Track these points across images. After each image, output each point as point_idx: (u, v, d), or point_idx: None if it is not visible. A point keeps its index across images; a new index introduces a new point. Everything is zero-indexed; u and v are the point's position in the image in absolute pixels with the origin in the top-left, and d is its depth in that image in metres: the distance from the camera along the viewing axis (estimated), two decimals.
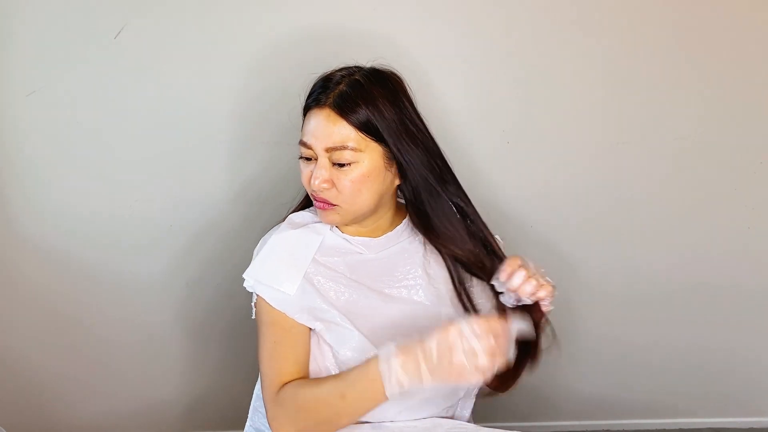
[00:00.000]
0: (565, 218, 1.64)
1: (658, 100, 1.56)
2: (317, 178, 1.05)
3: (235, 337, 1.68)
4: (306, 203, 1.20)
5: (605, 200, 1.63)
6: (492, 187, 1.60)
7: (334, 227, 1.14)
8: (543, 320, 1.05)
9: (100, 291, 1.61)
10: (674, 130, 1.59)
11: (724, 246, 1.69)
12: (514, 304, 1.02)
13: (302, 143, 1.07)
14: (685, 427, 1.88)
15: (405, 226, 1.17)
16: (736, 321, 1.76)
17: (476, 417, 1.20)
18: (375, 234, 1.15)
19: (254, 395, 1.26)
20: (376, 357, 0.96)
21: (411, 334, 1.01)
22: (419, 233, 1.15)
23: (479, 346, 0.90)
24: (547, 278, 1.02)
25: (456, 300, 1.13)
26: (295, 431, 1.02)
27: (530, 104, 1.55)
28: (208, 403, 1.74)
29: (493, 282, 1.02)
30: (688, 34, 1.53)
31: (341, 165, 1.05)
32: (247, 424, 1.26)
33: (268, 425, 1.18)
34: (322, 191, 1.07)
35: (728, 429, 1.87)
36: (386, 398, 0.94)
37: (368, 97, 1.05)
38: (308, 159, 1.08)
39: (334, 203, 1.07)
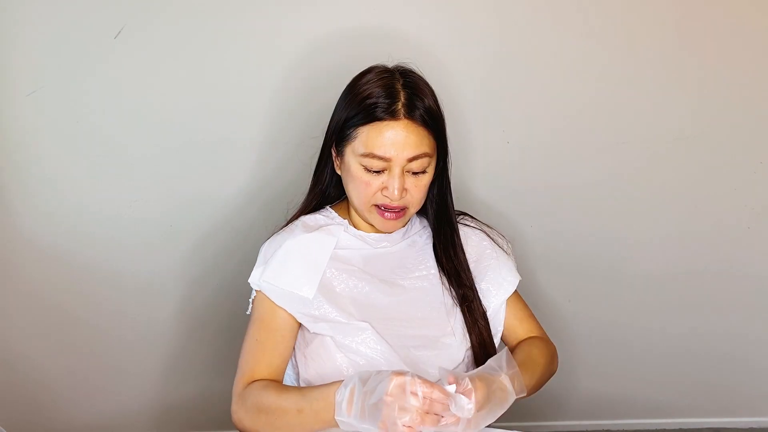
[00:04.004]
0: (565, 218, 1.65)
1: (658, 100, 1.57)
2: (398, 189, 1.05)
3: (237, 336, 1.67)
4: (317, 207, 1.19)
5: (605, 200, 1.64)
6: (492, 186, 1.60)
7: (349, 226, 1.15)
8: None
9: (103, 289, 1.60)
10: (674, 130, 1.59)
11: (723, 246, 1.69)
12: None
13: (374, 156, 1.04)
14: (685, 427, 1.87)
15: (415, 220, 1.20)
16: (737, 322, 1.76)
17: None
18: None
19: None
20: (339, 381, 0.95)
21: (422, 325, 1.06)
22: (428, 228, 1.19)
23: (412, 405, 0.87)
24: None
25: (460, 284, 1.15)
26: (252, 429, 1.03)
27: (530, 104, 1.55)
28: (209, 402, 1.74)
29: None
30: (688, 34, 1.53)
31: (416, 173, 1.07)
32: None
33: None
34: (399, 200, 1.08)
35: (728, 429, 1.87)
36: (336, 424, 0.94)
37: (434, 103, 1.09)
38: (376, 171, 1.06)
39: (406, 207, 1.09)
